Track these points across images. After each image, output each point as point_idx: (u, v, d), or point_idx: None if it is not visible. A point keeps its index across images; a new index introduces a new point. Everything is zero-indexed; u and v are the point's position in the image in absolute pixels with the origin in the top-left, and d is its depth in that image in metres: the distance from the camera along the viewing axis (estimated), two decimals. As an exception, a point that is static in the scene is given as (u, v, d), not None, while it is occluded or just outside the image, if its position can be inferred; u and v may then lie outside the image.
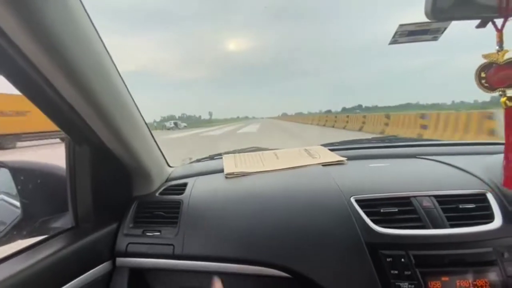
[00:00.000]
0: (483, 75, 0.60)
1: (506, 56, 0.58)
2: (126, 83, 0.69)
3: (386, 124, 11.85)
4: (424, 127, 9.12)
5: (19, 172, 0.67)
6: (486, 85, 0.61)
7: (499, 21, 0.55)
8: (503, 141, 0.63)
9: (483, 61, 0.60)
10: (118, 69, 0.65)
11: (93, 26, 0.56)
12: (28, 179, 0.67)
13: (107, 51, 0.61)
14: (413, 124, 9.78)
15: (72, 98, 0.56)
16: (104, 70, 0.60)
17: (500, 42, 0.57)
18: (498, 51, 0.58)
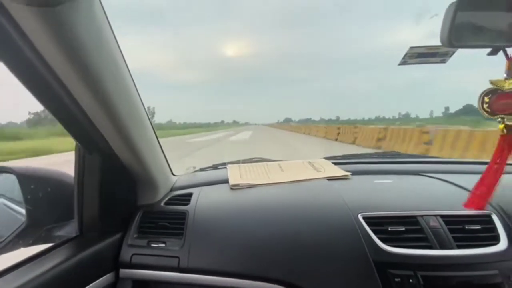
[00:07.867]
0: (486, 99, 0.62)
1: None
2: (137, 88, 0.68)
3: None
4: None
5: (26, 179, 0.66)
6: (487, 110, 0.62)
7: (510, 50, 0.57)
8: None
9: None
10: (132, 75, 0.64)
11: (113, 35, 0.55)
12: (35, 186, 0.66)
13: (123, 58, 0.60)
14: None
15: (89, 106, 0.56)
16: (121, 78, 0.59)
17: (509, 70, 0.59)
18: (505, 78, 0.60)
